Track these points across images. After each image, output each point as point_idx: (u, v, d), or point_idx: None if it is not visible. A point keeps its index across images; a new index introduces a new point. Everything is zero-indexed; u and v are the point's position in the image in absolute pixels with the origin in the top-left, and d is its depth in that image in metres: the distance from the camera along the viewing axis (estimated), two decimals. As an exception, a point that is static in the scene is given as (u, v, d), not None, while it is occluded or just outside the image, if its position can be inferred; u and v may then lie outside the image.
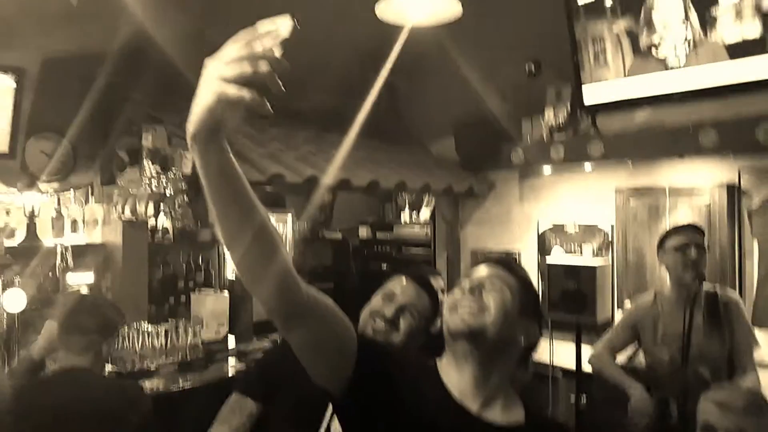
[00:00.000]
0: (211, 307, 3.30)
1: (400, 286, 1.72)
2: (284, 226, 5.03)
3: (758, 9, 2.92)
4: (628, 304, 3.68)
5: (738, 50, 3.03)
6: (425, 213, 5.46)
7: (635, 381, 2.61)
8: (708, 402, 1.80)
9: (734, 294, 2.63)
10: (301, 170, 3.40)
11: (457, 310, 1.13)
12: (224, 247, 0.92)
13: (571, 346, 3.66)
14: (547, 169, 3.96)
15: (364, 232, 5.90)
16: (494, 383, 1.11)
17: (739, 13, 2.98)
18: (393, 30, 3.24)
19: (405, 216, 5.73)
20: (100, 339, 1.92)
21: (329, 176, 3.44)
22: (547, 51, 3.82)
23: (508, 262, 1.24)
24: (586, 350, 3.68)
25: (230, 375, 3.01)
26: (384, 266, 5.80)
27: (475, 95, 4.05)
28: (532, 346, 1.19)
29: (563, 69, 3.73)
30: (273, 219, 4.82)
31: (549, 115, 3.82)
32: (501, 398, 1.12)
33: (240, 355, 3.28)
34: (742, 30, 3.01)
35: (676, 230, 2.63)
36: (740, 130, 3.01)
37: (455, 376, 1.12)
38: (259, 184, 3.38)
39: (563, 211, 4.06)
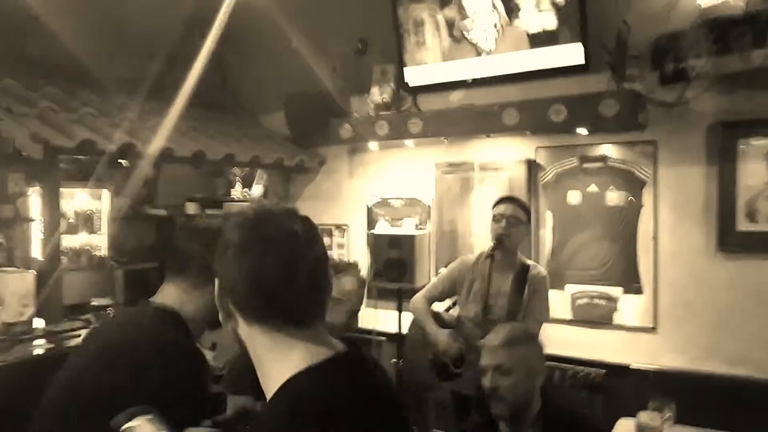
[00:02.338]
0: (13, 287, 3.03)
1: None
2: (99, 202, 4.70)
3: (554, 2, 3.29)
4: (443, 270, 3.98)
5: (537, 40, 3.41)
6: (258, 189, 5.41)
7: (440, 328, 2.89)
8: (482, 348, 2.09)
9: (544, 272, 2.97)
10: (115, 137, 3.21)
11: None
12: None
13: (395, 313, 3.90)
14: (373, 145, 4.13)
15: (191, 208, 5.68)
16: None
17: (537, 5, 3.34)
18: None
19: (236, 192, 5.63)
20: None
21: (150, 144, 3.29)
22: (374, 31, 3.98)
23: None
24: (407, 316, 3.96)
25: (37, 354, 2.79)
26: (213, 243, 5.66)
27: (306, 70, 4.10)
28: None
29: (388, 49, 3.92)
30: (87, 194, 4.53)
31: (375, 92, 3.98)
32: None
33: (49, 335, 3.04)
34: (541, 20, 3.38)
35: (499, 200, 2.94)
36: (536, 111, 3.38)
37: None
38: (69, 152, 3.14)
39: (389, 186, 4.27)
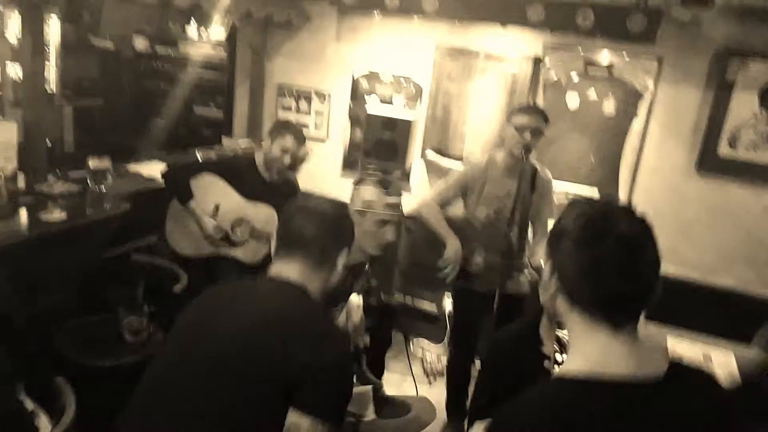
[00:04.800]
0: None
1: None
2: (47, 27, 4.12)
3: None
4: (429, 154, 4.03)
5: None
6: (219, 33, 4.95)
7: (452, 232, 2.99)
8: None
9: (549, 175, 3.07)
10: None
11: None
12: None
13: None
14: (372, 13, 3.86)
15: (140, 43, 5.14)
16: None
17: None
18: None
19: (192, 31, 5.14)
20: None
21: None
22: None
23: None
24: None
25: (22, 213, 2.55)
26: (162, 85, 5.24)
27: None
28: None
29: None
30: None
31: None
32: None
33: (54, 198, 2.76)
34: None
35: (523, 110, 2.89)
36: (563, 11, 3.30)
37: None
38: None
39: (379, 58, 4.08)
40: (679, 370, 1.04)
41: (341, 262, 1.58)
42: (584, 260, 1.03)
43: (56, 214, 2.48)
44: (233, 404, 1.29)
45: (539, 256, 2.88)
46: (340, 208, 1.65)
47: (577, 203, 1.15)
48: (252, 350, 1.33)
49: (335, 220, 1.59)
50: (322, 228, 1.54)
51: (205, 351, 1.37)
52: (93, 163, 2.71)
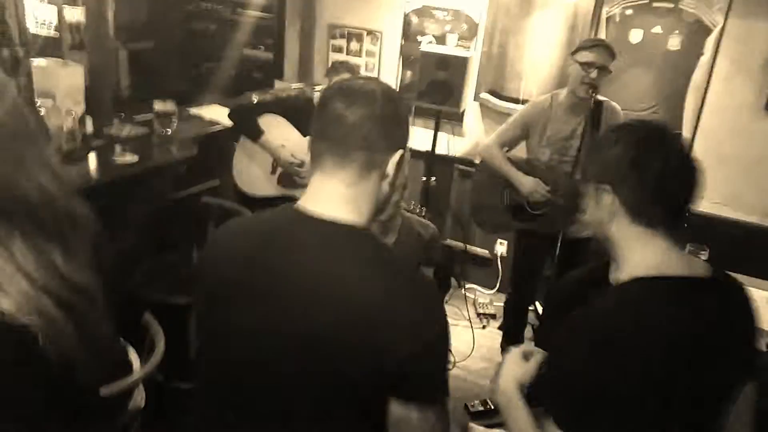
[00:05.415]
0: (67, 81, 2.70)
1: None
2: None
3: None
4: (484, 95, 3.96)
5: None
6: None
7: (521, 172, 2.96)
8: None
9: (617, 106, 2.94)
10: None
11: None
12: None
13: (429, 132, 3.92)
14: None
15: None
16: None
17: None
18: None
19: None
20: None
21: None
22: None
23: None
24: (442, 136, 4.00)
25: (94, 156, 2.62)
26: (212, 27, 5.21)
27: None
28: None
29: None
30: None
31: None
32: None
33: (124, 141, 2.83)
34: None
35: (589, 47, 2.77)
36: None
37: None
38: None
39: (432, -7, 3.97)
40: (721, 273, 1.21)
41: (392, 167, 1.13)
42: (649, 177, 1.15)
43: (128, 157, 2.55)
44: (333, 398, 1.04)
45: None
46: (391, 90, 1.17)
47: (621, 128, 1.28)
48: (340, 342, 1.00)
49: (387, 103, 1.11)
50: (369, 112, 1.09)
51: (286, 330, 1.04)
52: (159, 106, 2.76)
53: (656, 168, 1.15)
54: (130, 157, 2.57)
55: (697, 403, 1.14)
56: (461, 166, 4.15)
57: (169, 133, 2.77)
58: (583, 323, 1.15)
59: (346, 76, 3.02)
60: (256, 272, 1.08)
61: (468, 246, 4.20)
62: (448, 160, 4.12)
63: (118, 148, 2.67)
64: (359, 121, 1.08)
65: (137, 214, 2.68)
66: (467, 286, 4.24)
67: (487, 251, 4.24)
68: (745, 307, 1.21)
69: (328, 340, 1.00)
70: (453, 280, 4.22)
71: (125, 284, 2.41)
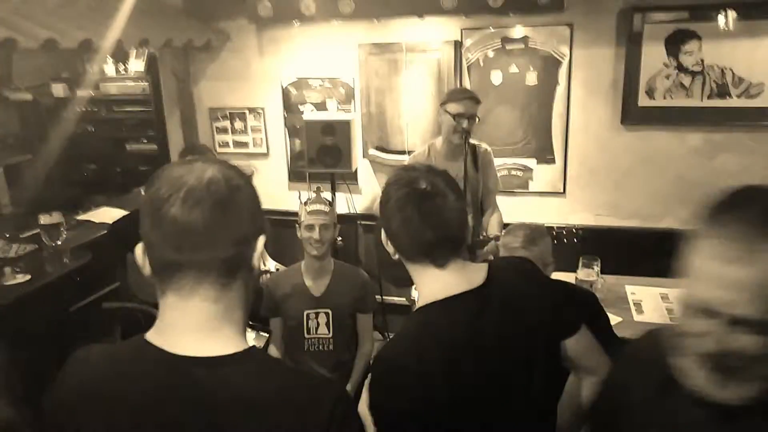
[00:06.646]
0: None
1: None
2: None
3: None
4: (372, 152, 4.13)
5: None
6: (138, 65, 4.88)
7: None
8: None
9: (487, 146, 3.19)
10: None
11: None
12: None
13: (327, 195, 4.00)
14: (291, 23, 3.91)
15: (59, 90, 5.00)
16: None
17: None
18: None
19: (109, 69, 5.03)
20: None
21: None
22: None
23: None
24: (340, 197, 4.10)
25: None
26: (90, 129, 5.12)
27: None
28: None
29: None
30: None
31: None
32: None
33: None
34: None
35: (456, 97, 2.97)
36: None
37: None
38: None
39: (305, 65, 4.14)
40: (496, 273, 1.32)
41: (257, 256, 0.97)
42: (399, 220, 1.29)
43: (19, 278, 2.45)
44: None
45: (493, 228, 3.03)
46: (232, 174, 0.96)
47: (387, 185, 1.36)
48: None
49: (229, 195, 0.92)
50: (215, 211, 0.89)
51: None
52: (44, 219, 2.67)
53: (401, 218, 1.28)
54: (22, 277, 2.47)
55: (506, 390, 1.27)
56: (364, 222, 4.26)
57: (59, 244, 2.69)
58: (387, 354, 1.29)
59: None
60: None
61: (384, 297, 4.28)
62: (351, 218, 4.23)
63: (8, 270, 2.56)
64: (208, 223, 0.89)
65: (37, 332, 2.55)
66: (390, 335, 4.28)
67: (404, 298, 4.33)
68: (529, 287, 1.34)
69: None
70: (377, 333, 4.26)
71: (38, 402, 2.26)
